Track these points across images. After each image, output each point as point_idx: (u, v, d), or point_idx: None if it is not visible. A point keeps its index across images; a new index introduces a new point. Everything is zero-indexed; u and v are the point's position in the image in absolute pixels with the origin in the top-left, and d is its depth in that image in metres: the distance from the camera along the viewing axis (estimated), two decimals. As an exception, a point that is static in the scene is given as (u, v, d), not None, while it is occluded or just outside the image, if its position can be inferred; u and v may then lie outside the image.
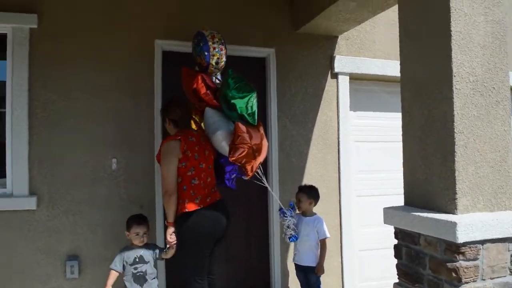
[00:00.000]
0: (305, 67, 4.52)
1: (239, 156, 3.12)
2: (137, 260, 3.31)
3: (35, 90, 3.74)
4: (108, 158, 3.87)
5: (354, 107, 4.75)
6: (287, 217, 3.69)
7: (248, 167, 3.26)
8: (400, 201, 2.71)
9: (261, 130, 3.35)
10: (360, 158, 4.78)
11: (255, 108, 3.27)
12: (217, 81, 3.56)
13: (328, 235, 3.81)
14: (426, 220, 2.26)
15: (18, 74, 3.69)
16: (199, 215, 3.10)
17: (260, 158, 3.31)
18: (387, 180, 4.83)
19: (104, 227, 3.82)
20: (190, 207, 3.09)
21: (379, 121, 4.89)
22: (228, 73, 3.30)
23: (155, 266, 3.40)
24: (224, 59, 3.50)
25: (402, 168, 2.62)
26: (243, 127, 3.13)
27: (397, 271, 2.56)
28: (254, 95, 3.25)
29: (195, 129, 3.55)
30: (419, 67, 2.49)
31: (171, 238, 3.11)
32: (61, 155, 3.77)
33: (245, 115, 3.22)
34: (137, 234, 3.32)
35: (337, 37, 4.62)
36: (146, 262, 3.32)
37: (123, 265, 3.33)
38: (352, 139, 4.69)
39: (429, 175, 2.40)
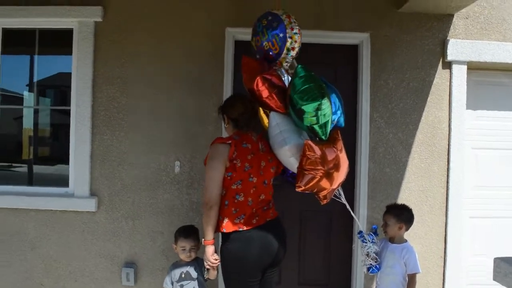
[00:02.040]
0: (408, 55, 3.65)
1: (309, 185, 2.50)
2: (183, 276, 2.92)
3: (99, 87, 3.58)
4: (170, 161, 3.57)
5: (473, 105, 3.74)
6: (366, 242, 2.97)
7: (322, 195, 2.62)
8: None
9: (340, 145, 2.62)
10: (479, 170, 3.77)
11: (328, 118, 2.55)
12: (286, 76, 2.95)
13: (419, 270, 2.99)
14: None
15: (83, 70, 3.56)
16: (239, 240, 2.55)
17: (338, 180, 2.63)
18: (516, 199, 3.76)
19: (165, 235, 3.54)
20: (228, 227, 2.56)
21: (510, 123, 3.79)
22: (296, 70, 2.59)
23: (206, 283, 2.97)
24: (299, 45, 2.87)
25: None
26: (315, 147, 2.45)
27: None
28: (325, 102, 2.50)
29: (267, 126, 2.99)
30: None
31: (213, 259, 2.62)
32: (122, 156, 3.57)
33: (314, 126, 2.54)
34: (184, 249, 2.92)
35: (452, 15, 3.64)
36: (193, 279, 2.91)
37: (172, 283, 2.98)
38: (468, 146, 3.71)
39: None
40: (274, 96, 2.68)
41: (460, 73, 3.63)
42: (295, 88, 2.54)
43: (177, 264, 2.99)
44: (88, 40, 3.55)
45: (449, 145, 3.63)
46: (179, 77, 3.58)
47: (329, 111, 2.55)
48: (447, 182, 3.62)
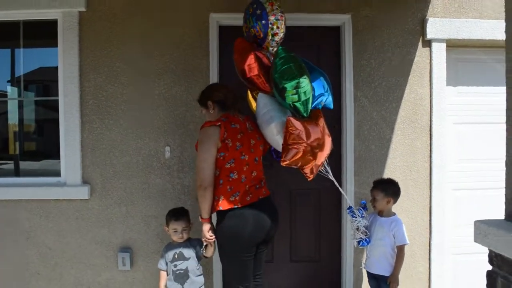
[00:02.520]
0: (389, 35, 3.73)
1: (293, 159, 2.59)
2: (176, 257, 3.00)
3: (86, 76, 3.60)
4: (161, 146, 3.62)
5: (453, 81, 3.85)
6: (356, 217, 3.09)
7: (307, 170, 2.72)
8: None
9: (321, 122, 2.72)
10: (461, 144, 3.89)
11: (308, 95, 2.65)
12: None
13: (407, 241, 3.12)
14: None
15: (69, 60, 3.57)
16: (235, 217, 2.66)
17: (322, 157, 2.74)
18: (497, 171, 3.84)
19: (158, 219, 3.59)
20: (224, 205, 2.66)
21: (489, 98, 3.88)
22: (277, 51, 2.72)
23: (200, 263, 3.05)
24: (283, 30, 2.97)
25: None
26: (296, 123, 2.55)
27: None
28: (303, 79, 2.61)
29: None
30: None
31: (208, 235, 2.73)
32: (113, 143, 3.61)
33: (296, 104, 2.64)
34: (175, 231, 2.99)
35: (431, -5, 3.74)
36: (186, 259, 2.99)
37: (166, 263, 3.06)
38: (449, 121, 3.82)
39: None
40: (262, 76, 2.80)
41: (439, 50, 3.72)
42: (276, 69, 2.67)
43: (170, 245, 3.07)
44: (73, 30, 3.56)
45: (431, 121, 3.73)
46: (165, 64, 3.62)
47: (309, 88, 2.67)
48: (430, 156, 3.74)
